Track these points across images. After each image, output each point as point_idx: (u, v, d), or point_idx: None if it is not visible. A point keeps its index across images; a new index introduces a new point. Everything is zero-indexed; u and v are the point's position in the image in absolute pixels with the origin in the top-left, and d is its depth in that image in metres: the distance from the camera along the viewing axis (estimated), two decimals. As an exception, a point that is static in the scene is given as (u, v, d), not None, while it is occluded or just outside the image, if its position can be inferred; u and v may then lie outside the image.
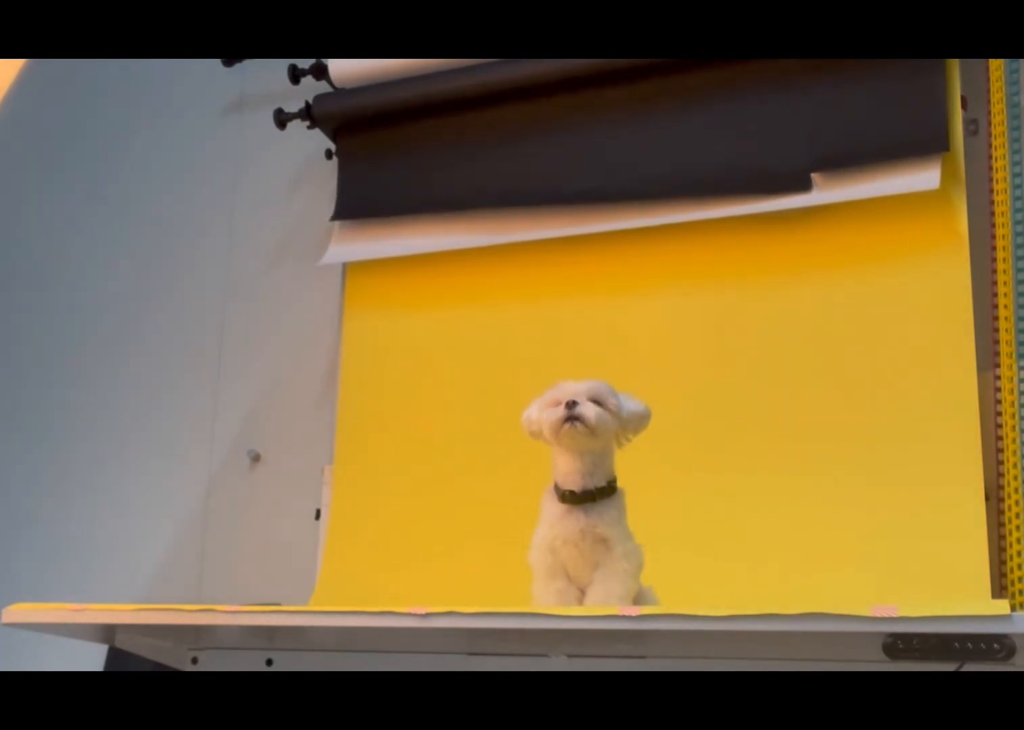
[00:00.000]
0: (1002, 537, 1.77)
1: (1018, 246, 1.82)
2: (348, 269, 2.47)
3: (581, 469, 1.56)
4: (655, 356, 2.14)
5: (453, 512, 2.19)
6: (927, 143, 1.94)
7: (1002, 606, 1.19)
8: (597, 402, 1.54)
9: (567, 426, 1.52)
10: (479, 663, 1.67)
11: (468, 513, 2.17)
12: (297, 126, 2.51)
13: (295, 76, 2.47)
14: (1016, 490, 1.74)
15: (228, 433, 2.55)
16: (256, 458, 2.49)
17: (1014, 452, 1.75)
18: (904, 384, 1.93)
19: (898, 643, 1.19)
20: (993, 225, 1.90)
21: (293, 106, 2.49)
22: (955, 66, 1.98)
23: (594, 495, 1.56)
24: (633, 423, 1.59)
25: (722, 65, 2.12)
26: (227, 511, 2.50)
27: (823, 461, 1.95)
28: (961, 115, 1.97)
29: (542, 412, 1.56)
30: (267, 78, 2.63)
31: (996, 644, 1.17)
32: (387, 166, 2.42)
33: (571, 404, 1.52)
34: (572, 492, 1.56)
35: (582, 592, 1.56)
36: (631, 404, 1.59)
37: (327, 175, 2.53)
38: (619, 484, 1.61)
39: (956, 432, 1.86)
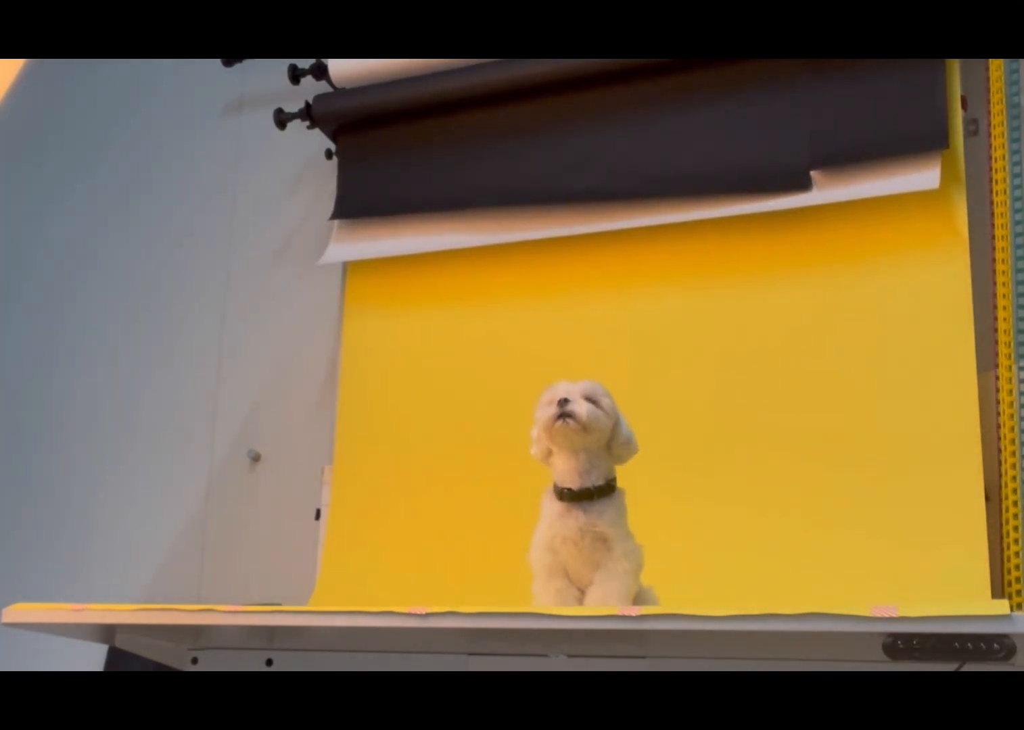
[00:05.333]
0: (1002, 537, 1.77)
1: (1018, 246, 1.82)
2: (348, 268, 2.48)
3: (577, 467, 1.57)
4: (655, 355, 2.14)
5: (453, 512, 2.19)
6: (927, 141, 1.94)
7: (1002, 606, 1.18)
8: (591, 400, 1.54)
9: (559, 423, 1.53)
10: (479, 663, 1.67)
11: (468, 513, 2.17)
12: (297, 126, 2.51)
13: (295, 76, 2.47)
14: (1016, 490, 1.73)
15: (228, 433, 2.55)
16: (256, 458, 2.49)
17: (1014, 452, 1.75)
18: (904, 385, 1.93)
19: (898, 643, 1.19)
20: (993, 225, 1.90)
21: (293, 106, 2.49)
22: (955, 66, 1.98)
23: (592, 493, 1.56)
24: (623, 438, 1.59)
25: (722, 65, 2.12)
26: (227, 511, 2.50)
27: (823, 461, 1.95)
28: (961, 115, 1.97)
29: (536, 410, 1.57)
30: (267, 78, 2.63)
31: (996, 644, 1.16)
32: (387, 166, 2.42)
33: (563, 402, 1.53)
34: (569, 490, 1.57)
35: (582, 592, 1.56)
36: (625, 426, 1.60)
37: (327, 175, 2.53)
38: (620, 484, 1.61)
39: (956, 432, 1.86)
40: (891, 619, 1.19)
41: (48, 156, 2.95)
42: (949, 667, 1.27)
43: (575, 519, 1.56)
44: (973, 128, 2.01)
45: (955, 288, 1.92)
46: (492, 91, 2.30)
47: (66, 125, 2.95)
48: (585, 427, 1.53)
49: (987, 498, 1.81)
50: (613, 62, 2.17)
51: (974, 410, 1.86)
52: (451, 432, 2.26)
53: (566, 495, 1.57)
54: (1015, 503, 1.73)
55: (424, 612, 1.37)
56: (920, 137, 1.95)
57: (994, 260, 1.88)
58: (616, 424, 1.58)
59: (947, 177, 1.92)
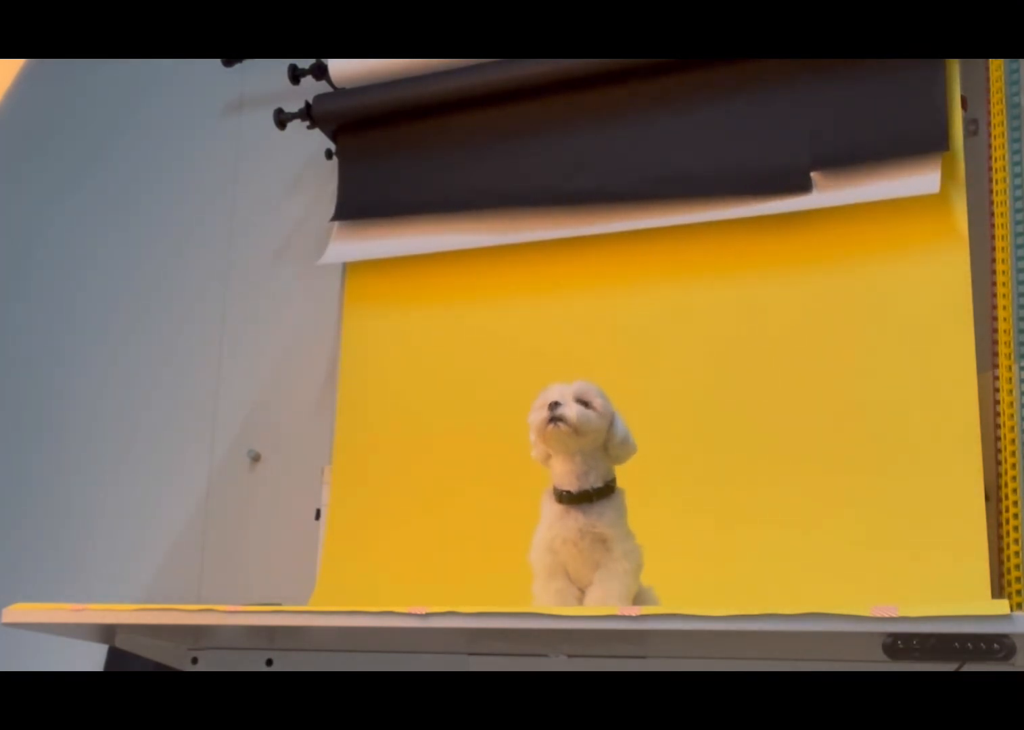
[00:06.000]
0: (1002, 537, 1.77)
1: (1018, 246, 1.82)
2: (348, 268, 2.47)
3: (575, 470, 1.56)
4: (655, 355, 2.14)
5: (453, 512, 2.19)
6: (927, 143, 1.94)
7: (1002, 606, 1.18)
8: (583, 402, 1.54)
9: (551, 427, 1.53)
10: (479, 663, 1.67)
11: (468, 513, 2.17)
12: (297, 126, 2.51)
13: (295, 76, 2.47)
14: (1016, 490, 1.73)
15: (228, 433, 2.55)
16: (256, 458, 2.49)
17: (1014, 452, 1.75)
18: (904, 385, 1.93)
19: (898, 643, 1.19)
20: (993, 225, 1.90)
21: (293, 106, 2.49)
22: (955, 66, 1.98)
23: (591, 495, 1.56)
24: (619, 438, 1.59)
25: (722, 65, 2.12)
26: (227, 511, 2.50)
27: (822, 461, 1.95)
28: (961, 115, 1.97)
29: (530, 414, 1.57)
30: (267, 78, 2.63)
31: (996, 644, 1.16)
32: (387, 166, 2.42)
33: (554, 405, 1.53)
34: (568, 492, 1.57)
35: (582, 592, 1.56)
36: (621, 425, 1.59)
37: (327, 175, 2.53)
38: (620, 484, 1.61)
39: (956, 432, 1.86)
40: (891, 619, 1.19)
41: (48, 156, 2.95)
42: (949, 667, 1.27)
43: (574, 521, 1.56)
44: (973, 128, 2.01)
45: (955, 288, 1.92)
46: (492, 91, 2.30)
47: (66, 125, 2.95)
48: (576, 429, 1.53)
49: (987, 498, 1.81)
50: (613, 62, 2.16)
51: (974, 410, 1.86)
52: (451, 432, 2.26)
53: (564, 497, 1.57)
54: (1015, 503, 1.73)
55: (424, 612, 1.37)
56: (920, 139, 1.95)
57: (994, 260, 1.88)
58: (611, 424, 1.58)
59: (947, 177, 1.92)
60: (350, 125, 2.47)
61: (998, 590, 1.75)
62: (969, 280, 1.91)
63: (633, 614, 1.31)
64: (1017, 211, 1.84)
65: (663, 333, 2.15)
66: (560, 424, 1.52)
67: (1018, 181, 1.86)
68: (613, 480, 1.59)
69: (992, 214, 1.90)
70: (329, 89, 2.48)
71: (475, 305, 2.32)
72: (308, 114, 2.47)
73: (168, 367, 2.67)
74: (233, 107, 2.75)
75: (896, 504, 1.87)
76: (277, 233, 2.63)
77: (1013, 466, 1.75)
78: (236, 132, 2.73)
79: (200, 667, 1.83)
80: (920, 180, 1.93)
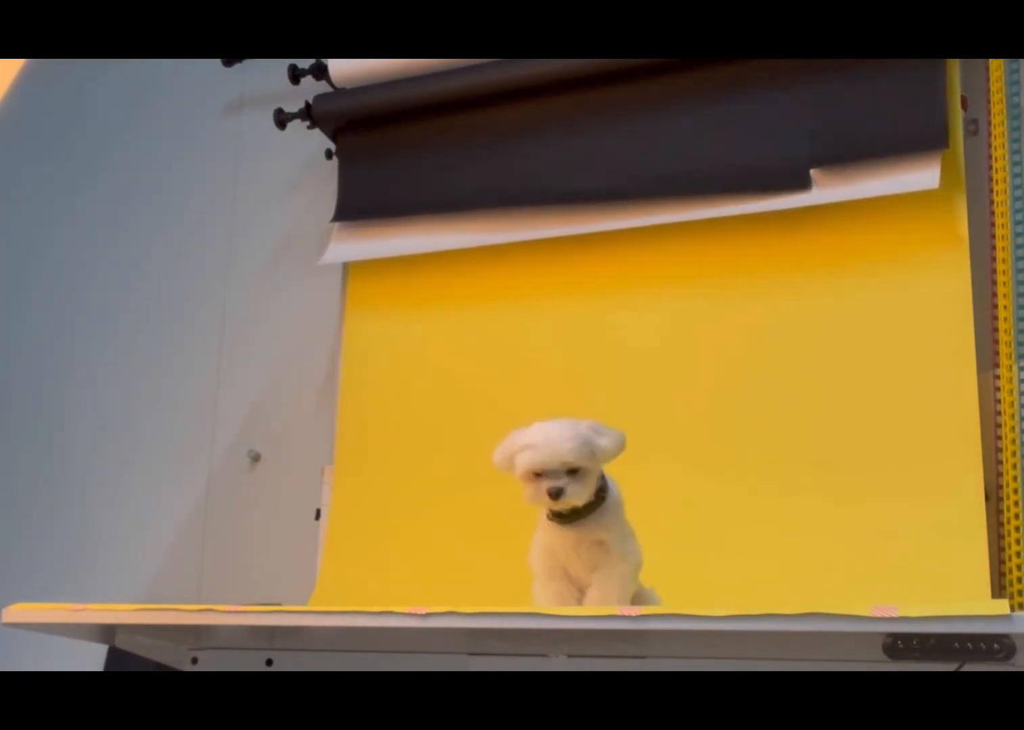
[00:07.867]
0: (1002, 537, 1.77)
1: (1018, 246, 1.82)
2: (348, 269, 2.48)
3: None
4: (655, 356, 2.14)
5: (453, 512, 2.19)
6: (927, 140, 1.94)
7: (1002, 606, 1.18)
8: (575, 470, 1.48)
9: (550, 501, 1.49)
10: (479, 663, 1.67)
11: (468, 513, 2.17)
12: (297, 126, 2.51)
13: (295, 76, 2.47)
14: (1016, 490, 1.73)
15: (228, 433, 2.55)
16: (256, 458, 2.49)
17: (1014, 452, 1.75)
18: (904, 385, 1.93)
19: (898, 643, 1.19)
20: (993, 225, 1.90)
21: (293, 106, 2.49)
22: (955, 66, 1.98)
23: (581, 512, 1.53)
24: (609, 455, 1.56)
25: (722, 64, 2.12)
26: (227, 511, 2.50)
27: (824, 461, 1.95)
28: (961, 115, 1.97)
29: (525, 488, 1.51)
30: (267, 78, 2.63)
31: (996, 644, 1.16)
32: (387, 166, 2.42)
33: (555, 492, 1.47)
34: (560, 513, 1.54)
35: (582, 592, 1.56)
36: (605, 441, 1.53)
37: (327, 175, 2.53)
38: (618, 483, 1.60)
39: (956, 432, 1.86)
40: (891, 619, 1.19)
41: (48, 156, 2.95)
42: (949, 667, 1.27)
43: (570, 532, 1.54)
44: (973, 128, 2.01)
45: (955, 288, 1.92)
46: (492, 91, 2.30)
47: (66, 126, 2.95)
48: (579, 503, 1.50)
49: (987, 498, 1.81)
50: (613, 62, 2.16)
51: (974, 410, 1.86)
52: (451, 432, 2.26)
53: (556, 518, 1.55)
54: (1016, 503, 1.73)
55: (424, 612, 1.37)
56: (920, 136, 1.95)
57: (994, 260, 1.88)
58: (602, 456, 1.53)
59: (947, 177, 1.92)
60: (350, 125, 2.47)
61: (998, 590, 1.75)
62: (969, 280, 1.91)
63: (633, 614, 1.30)
64: (1017, 211, 1.84)
65: (664, 333, 2.15)
66: (560, 499, 1.48)
67: (1018, 181, 1.85)
68: (603, 487, 1.57)
69: (992, 214, 1.90)
70: (329, 89, 2.48)
71: (476, 306, 2.32)
72: (308, 114, 2.47)
73: (168, 367, 2.67)
74: (233, 107, 2.75)
75: (896, 504, 1.87)
76: (277, 233, 2.63)
77: (1014, 466, 1.75)
78: (236, 132, 2.73)
79: (200, 667, 1.83)
80: (919, 176, 1.93)
